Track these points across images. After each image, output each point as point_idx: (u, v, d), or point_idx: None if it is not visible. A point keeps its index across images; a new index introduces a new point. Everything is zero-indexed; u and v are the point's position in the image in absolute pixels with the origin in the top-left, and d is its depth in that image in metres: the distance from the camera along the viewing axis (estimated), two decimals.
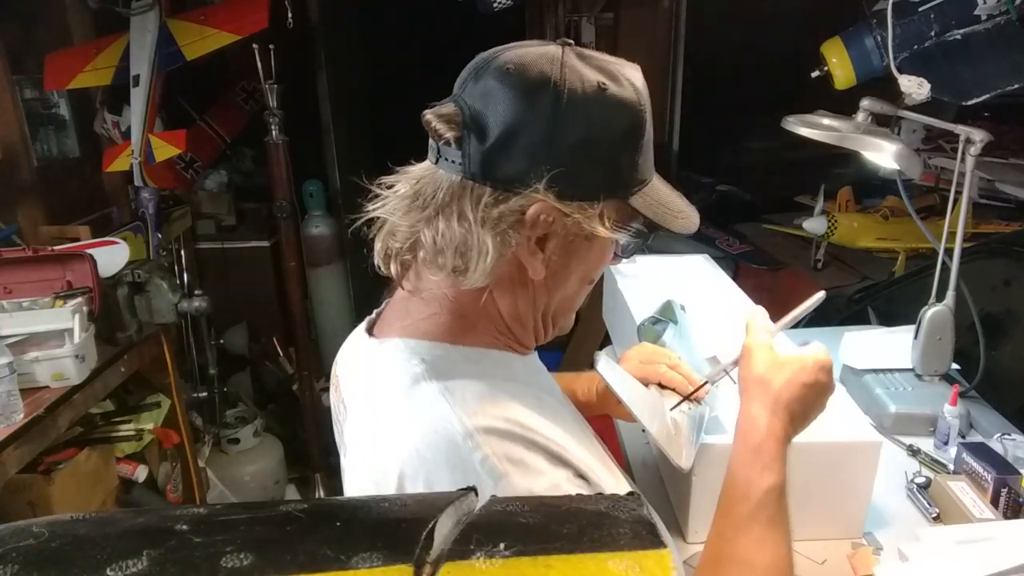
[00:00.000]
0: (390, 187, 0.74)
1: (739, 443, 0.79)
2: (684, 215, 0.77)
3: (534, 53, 0.69)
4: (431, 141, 0.71)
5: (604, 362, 0.92)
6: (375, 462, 0.72)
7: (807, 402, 0.80)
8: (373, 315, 0.87)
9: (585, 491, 0.69)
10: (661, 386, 0.98)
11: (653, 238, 0.79)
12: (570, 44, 0.71)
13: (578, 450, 0.73)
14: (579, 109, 0.67)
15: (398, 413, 0.71)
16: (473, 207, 0.68)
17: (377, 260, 0.77)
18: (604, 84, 0.68)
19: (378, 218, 0.74)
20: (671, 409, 0.94)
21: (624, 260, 0.82)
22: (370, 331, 0.84)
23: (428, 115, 0.70)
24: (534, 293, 0.76)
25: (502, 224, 0.68)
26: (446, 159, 0.70)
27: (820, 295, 0.91)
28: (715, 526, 0.75)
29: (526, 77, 0.67)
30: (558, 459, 0.69)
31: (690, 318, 1.32)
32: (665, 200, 0.76)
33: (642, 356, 1.02)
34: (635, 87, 0.71)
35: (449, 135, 0.68)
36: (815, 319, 2.47)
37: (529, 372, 0.82)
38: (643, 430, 1.09)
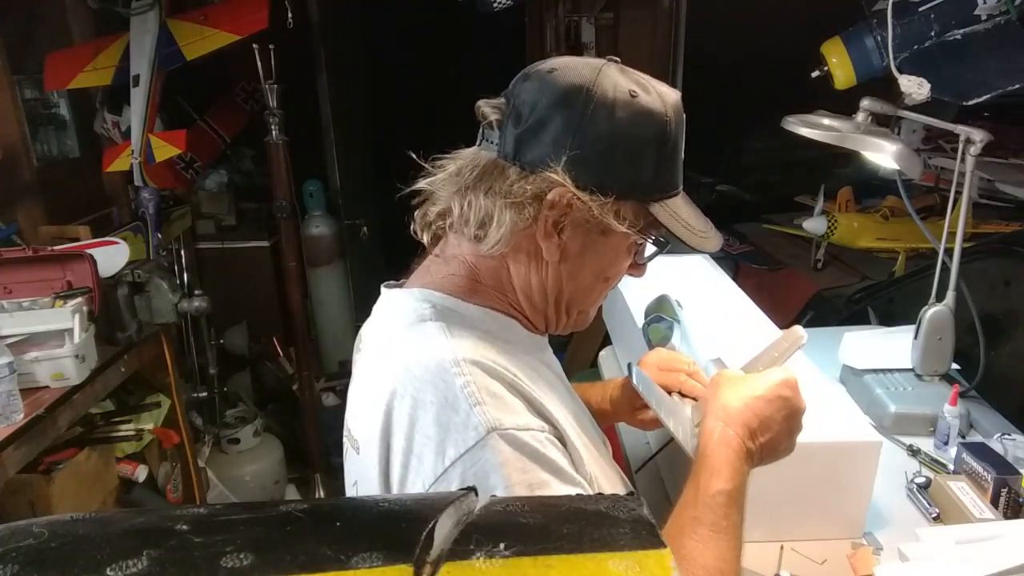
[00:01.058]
0: (440, 166, 0.82)
1: (696, 454, 0.82)
2: (705, 235, 0.82)
3: (579, 62, 0.78)
4: (481, 126, 0.80)
5: (637, 373, 0.95)
6: (373, 383, 0.78)
7: (765, 414, 0.81)
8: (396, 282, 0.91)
9: (560, 452, 0.72)
10: (681, 394, 0.99)
11: (669, 249, 0.83)
12: (616, 61, 0.79)
13: (566, 421, 0.78)
14: (606, 109, 0.74)
15: (398, 340, 0.78)
16: (500, 183, 0.76)
17: (415, 227, 0.85)
18: (635, 92, 0.76)
19: (423, 190, 0.82)
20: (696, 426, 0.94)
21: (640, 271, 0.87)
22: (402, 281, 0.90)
23: (480, 102, 0.80)
24: (547, 274, 0.81)
25: (522, 200, 0.75)
26: (488, 140, 0.79)
27: (800, 339, 0.91)
28: (666, 526, 0.78)
29: (566, 78, 0.76)
30: (537, 411, 0.73)
31: (687, 315, 1.32)
32: (686, 216, 0.81)
33: (660, 363, 1.03)
34: (664, 101, 0.77)
35: (493, 118, 0.78)
36: (815, 319, 2.48)
37: (534, 346, 0.87)
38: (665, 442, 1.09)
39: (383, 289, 0.89)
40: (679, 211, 0.81)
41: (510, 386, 0.73)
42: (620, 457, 1.39)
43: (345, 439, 0.86)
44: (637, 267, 0.86)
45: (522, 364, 0.78)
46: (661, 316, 1.30)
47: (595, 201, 0.74)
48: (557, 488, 0.68)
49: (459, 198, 0.78)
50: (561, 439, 0.74)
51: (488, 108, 0.79)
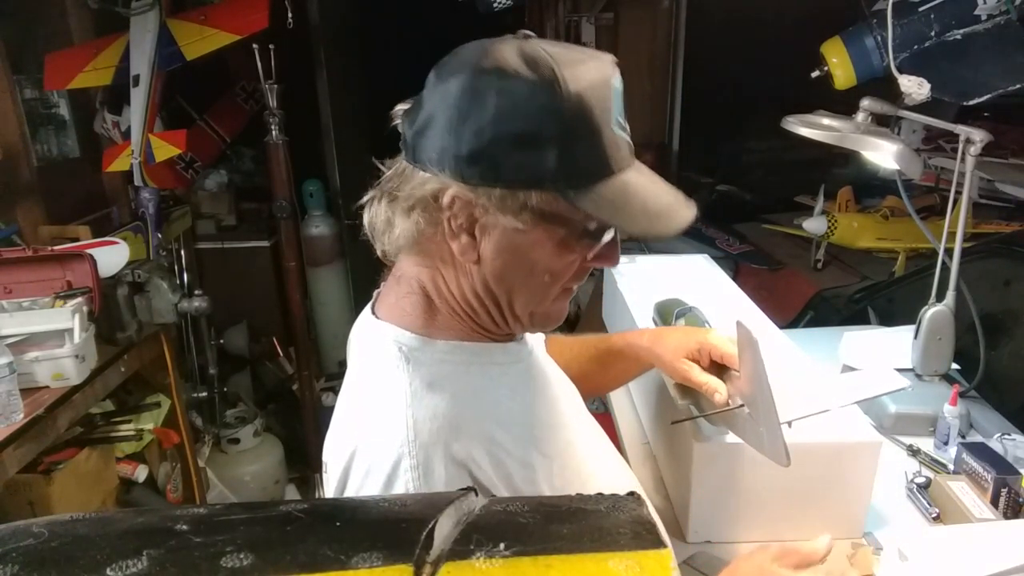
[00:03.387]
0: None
1: None
2: (657, 216, 0.71)
3: (473, 45, 0.70)
4: None
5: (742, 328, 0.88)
6: (343, 428, 0.80)
7: None
8: (381, 286, 0.89)
9: None
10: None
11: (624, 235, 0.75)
12: (527, 36, 0.70)
13: (543, 430, 0.80)
14: (484, 95, 0.66)
15: (371, 392, 0.78)
16: (404, 187, 0.73)
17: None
18: (517, 71, 0.66)
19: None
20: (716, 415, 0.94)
21: (604, 263, 0.78)
22: (375, 303, 0.88)
23: (398, 105, 0.75)
24: (475, 278, 0.76)
25: (417, 205, 0.72)
26: (401, 142, 0.74)
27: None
28: None
29: (451, 66, 0.69)
30: (484, 488, 0.73)
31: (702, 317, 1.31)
32: (632, 199, 0.70)
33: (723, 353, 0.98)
34: (558, 72, 0.66)
35: (397, 120, 0.74)
36: (815, 319, 2.48)
37: (511, 355, 0.84)
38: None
39: (367, 310, 0.87)
40: (621, 193, 0.70)
41: (469, 463, 0.73)
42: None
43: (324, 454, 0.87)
44: (600, 258, 0.77)
45: (498, 386, 0.79)
46: (690, 307, 1.29)
47: (492, 198, 0.68)
48: None
49: (369, 207, 0.76)
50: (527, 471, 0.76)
51: (401, 106, 0.75)
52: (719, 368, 0.97)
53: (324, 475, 0.84)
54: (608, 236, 0.74)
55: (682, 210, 0.72)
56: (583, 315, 3.15)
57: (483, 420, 0.76)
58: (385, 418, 0.74)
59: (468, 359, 0.79)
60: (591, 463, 0.88)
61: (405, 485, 0.70)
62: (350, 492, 0.74)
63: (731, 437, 1.06)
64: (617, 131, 0.70)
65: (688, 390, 1.06)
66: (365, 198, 0.78)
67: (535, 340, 0.94)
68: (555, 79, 0.66)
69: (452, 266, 0.76)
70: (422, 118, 0.70)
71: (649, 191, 0.72)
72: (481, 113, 0.66)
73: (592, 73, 0.68)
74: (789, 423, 0.90)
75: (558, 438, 0.84)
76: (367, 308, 0.88)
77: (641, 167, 0.74)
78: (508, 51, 0.67)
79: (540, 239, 0.72)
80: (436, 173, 0.70)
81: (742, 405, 0.91)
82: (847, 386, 1.00)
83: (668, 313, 1.32)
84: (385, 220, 0.75)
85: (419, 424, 0.72)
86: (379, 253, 0.80)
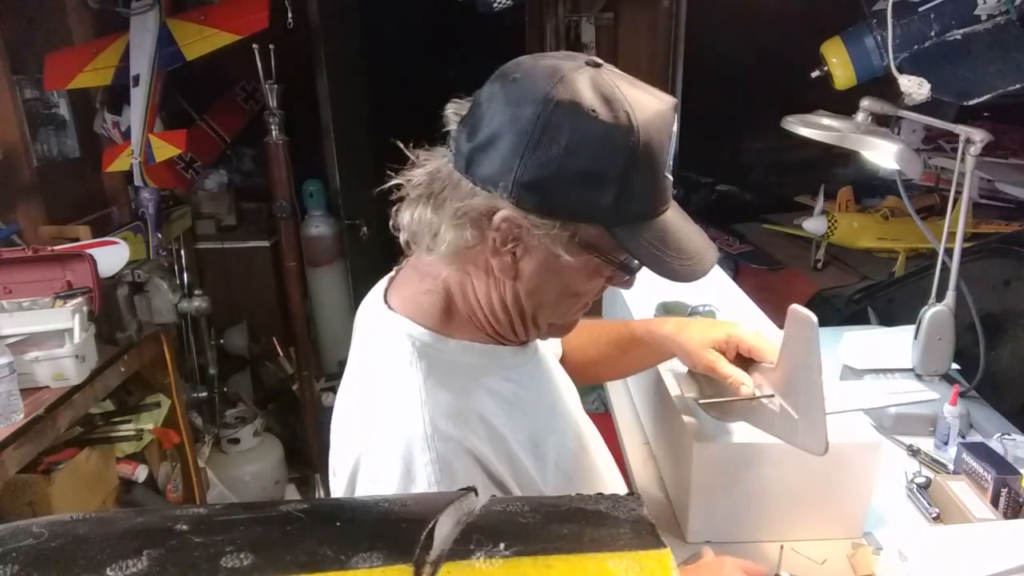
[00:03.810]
0: (426, 160, 0.78)
1: None
2: (690, 260, 0.75)
3: (544, 68, 0.71)
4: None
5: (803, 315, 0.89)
6: (346, 429, 0.81)
7: None
8: (394, 272, 0.91)
9: None
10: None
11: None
12: (597, 64, 0.72)
13: (545, 433, 0.83)
14: (557, 129, 0.68)
15: (379, 387, 0.79)
16: (452, 195, 0.73)
17: (392, 224, 0.82)
18: (595, 111, 0.68)
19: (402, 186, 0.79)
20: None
21: (622, 286, 0.83)
22: (387, 290, 0.89)
23: (449, 105, 0.76)
24: (507, 291, 0.78)
25: (466, 219, 0.73)
26: (449, 148, 0.75)
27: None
28: None
29: (523, 87, 0.70)
30: (497, 482, 0.76)
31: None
32: (669, 240, 0.74)
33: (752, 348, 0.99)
34: (632, 118, 0.69)
35: (451, 127, 0.75)
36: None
37: (518, 360, 0.86)
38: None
39: (378, 293, 0.88)
40: (659, 235, 0.74)
41: (484, 459, 0.75)
42: (620, 457, 1.39)
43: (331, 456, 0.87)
44: (616, 281, 0.82)
45: (503, 390, 0.82)
46: (707, 304, 1.30)
47: (543, 226, 0.71)
48: None
49: (412, 207, 0.77)
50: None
51: (451, 113, 0.76)
52: (744, 362, 0.99)
53: (332, 479, 0.84)
54: (625, 274, 0.78)
55: (709, 252, 0.78)
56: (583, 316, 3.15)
57: (493, 416, 0.78)
58: (399, 416, 0.75)
59: (479, 359, 0.82)
60: (585, 462, 0.90)
61: (427, 480, 0.71)
62: (361, 492, 0.75)
63: (731, 437, 1.07)
64: (668, 175, 0.74)
65: (694, 384, 1.06)
66: (398, 179, 0.78)
67: (544, 342, 0.96)
68: (629, 124, 0.68)
69: (485, 276, 0.79)
70: (485, 134, 0.70)
71: (683, 232, 0.76)
72: (551, 147, 0.68)
73: (659, 120, 0.71)
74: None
75: (557, 438, 0.86)
76: (378, 293, 0.89)
77: (675, 204, 0.78)
78: (583, 84, 0.69)
79: (579, 267, 0.75)
80: (491, 191, 0.71)
81: (772, 396, 0.92)
82: (879, 391, 1.00)
83: (676, 314, 1.32)
84: (428, 224, 0.75)
85: (436, 420, 0.74)
86: (403, 243, 0.81)
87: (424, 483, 0.71)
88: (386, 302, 0.85)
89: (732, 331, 1.00)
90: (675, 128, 0.74)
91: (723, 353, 1.00)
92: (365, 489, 0.75)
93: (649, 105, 0.71)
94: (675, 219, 0.77)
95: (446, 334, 0.81)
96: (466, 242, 0.74)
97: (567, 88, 0.68)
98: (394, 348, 0.80)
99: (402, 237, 0.80)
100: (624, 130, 0.68)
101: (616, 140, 0.68)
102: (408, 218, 0.77)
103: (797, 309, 0.85)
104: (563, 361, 1.12)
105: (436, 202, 0.75)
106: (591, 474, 0.92)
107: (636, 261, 0.75)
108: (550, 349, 1.11)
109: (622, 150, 0.69)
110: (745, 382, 0.95)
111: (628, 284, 0.82)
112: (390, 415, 0.76)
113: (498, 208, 0.71)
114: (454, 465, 0.72)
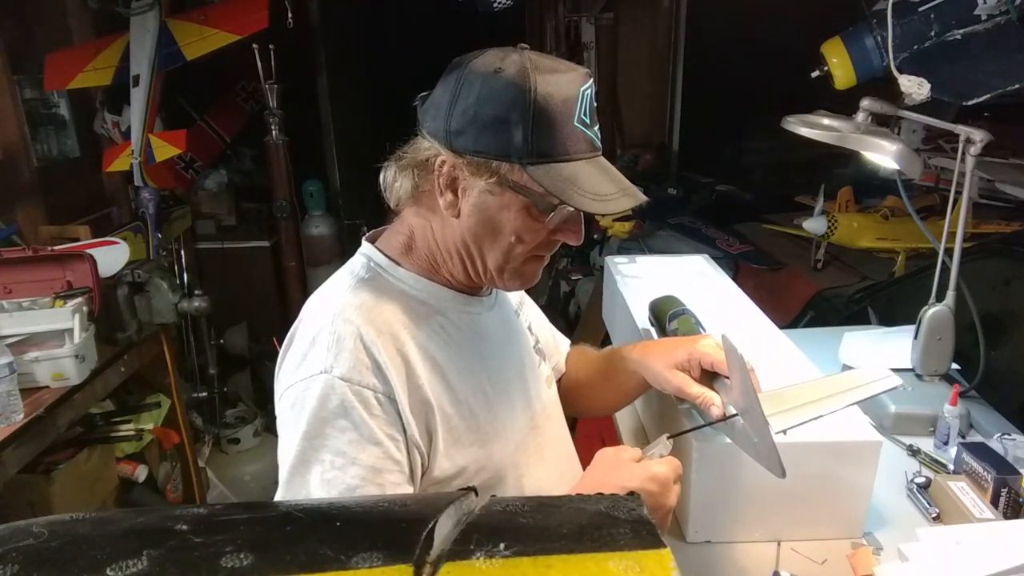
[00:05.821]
0: None
1: None
2: (600, 198, 0.85)
3: (481, 51, 0.88)
4: None
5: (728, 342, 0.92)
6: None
7: None
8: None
9: (384, 412, 0.85)
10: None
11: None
12: (525, 48, 0.87)
13: (462, 384, 0.92)
14: (471, 85, 0.85)
15: (330, 282, 0.97)
16: (410, 153, 0.91)
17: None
18: (500, 69, 0.85)
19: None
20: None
21: (560, 233, 0.91)
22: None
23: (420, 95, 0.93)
24: (456, 231, 0.92)
25: (415, 166, 0.91)
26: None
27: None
28: None
29: (458, 64, 0.88)
30: (395, 375, 0.86)
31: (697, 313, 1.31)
32: (581, 181, 0.85)
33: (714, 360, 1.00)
34: (531, 74, 0.83)
35: (417, 102, 0.93)
36: (815, 319, 2.48)
37: (463, 306, 0.97)
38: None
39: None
40: (571, 175, 0.85)
41: (372, 346, 0.86)
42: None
43: None
44: (562, 232, 0.91)
45: (434, 325, 0.94)
46: (683, 308, 1.29)
47: (472, 165, 0.86)
48: (335, 441, 0.82)
49: (388, 169, 0.95)
50: (422, 405, 0.88)
51: (422, 94, 0.93)
52: (711, 375, 1.00)
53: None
54: (567, 211, 0.88)
55: (621, 199, 0.87)
56: (583, 314, 3.16)
57: (407, 329, 0.90)
58: (324, 299, 0.93)
59: (424, 292, 0.95)
60: (490, 428, 0.95)
61: (324, 346, 0.85)
62: (284, 350, 0.91)
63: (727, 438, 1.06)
64: (578, 127, 0.86)
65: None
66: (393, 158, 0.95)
67: (510, 303, 1.10)
68: (526, 77, 0.83)
69: (440, 219, 0.93)
70: (430, 101, 0.90)
71: (597, 179, 0.87)
72: (469, 97, 0.85)
73: (562, 79, 0.85)
74: (784, 431, 0.90)
75: (474, 383, 0.95)
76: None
77: (601, 162, 0.89)
78: (496, 54, 0.87)
79: (507, 203, 0.88)
80: (432, 142, 0.89)
81: (736, 415, 0.92)
82: (841, 388, 1.00)
83: (662, 312, 1.32)
84: (392, 176, 0.94)
85: (345, 307, 0.89)
86: (390, 204, 0.97)
87: (323, 349, 0.85)
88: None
89: (693, 349, 1.01)
90: (589, 91, 0.87)
91: (688, 371, 1.01)
92: (281, 357, 0.91)
93: (552, 67, 0.86)
94: (591, 169, 0.87)
95: (401, 264, 0.95)
96: (415, 183, 0.92)
97: (484, 58, 0.87)
98: (351, 262, 0.98)
99: (388, 198, 0.96)
100: (522, 80, 0.83)
101: (517, 89, 0.83)
102: (382, 177, 0.95)
103: (725, 339, 0.90)
104: (562, 380, 1.22)
105: (397, 159, 0.93)
106: (497, 437, 0.96)
107: (552, 198, 0.85)
108: (551, 360, 1.18)
109: (522, 96, 0.83)
110: (715, 401, 0.97)
111: (569, 236, 0.92)
112: (319, 298, 0.94)
113: (438, 154, 0.88)
114: (346, 346, 0.85)
